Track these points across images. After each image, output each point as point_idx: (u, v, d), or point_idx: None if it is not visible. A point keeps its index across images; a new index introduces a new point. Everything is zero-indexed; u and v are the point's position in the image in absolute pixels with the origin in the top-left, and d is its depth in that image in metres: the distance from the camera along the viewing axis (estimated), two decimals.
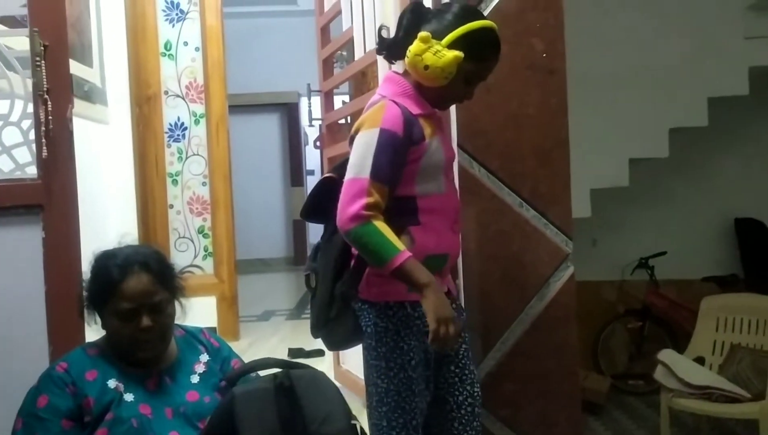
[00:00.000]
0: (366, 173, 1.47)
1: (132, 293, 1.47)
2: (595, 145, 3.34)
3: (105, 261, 1.54)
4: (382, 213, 1.48)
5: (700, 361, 3.50)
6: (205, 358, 1.61)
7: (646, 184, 4.13)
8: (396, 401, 1.56)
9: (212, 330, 3.92)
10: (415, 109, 1.55)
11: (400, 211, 1.54)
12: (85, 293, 1.56)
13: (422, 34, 1.50)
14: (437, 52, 1.49)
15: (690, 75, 3.58)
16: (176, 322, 1.59)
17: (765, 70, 3.67)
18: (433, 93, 1.57)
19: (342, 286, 1.60)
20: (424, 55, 1.49)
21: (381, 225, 1.46)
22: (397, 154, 1.50)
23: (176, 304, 1.58)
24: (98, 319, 1.55)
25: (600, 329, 4.30)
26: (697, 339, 3.61)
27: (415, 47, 1.50)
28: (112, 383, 1.47)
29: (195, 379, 1.57)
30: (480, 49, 1.53)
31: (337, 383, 3.06)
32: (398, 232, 1.50)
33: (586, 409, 3.57)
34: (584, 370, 3.88)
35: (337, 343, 1.75)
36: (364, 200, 1.45)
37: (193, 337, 1.65)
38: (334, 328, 1.65)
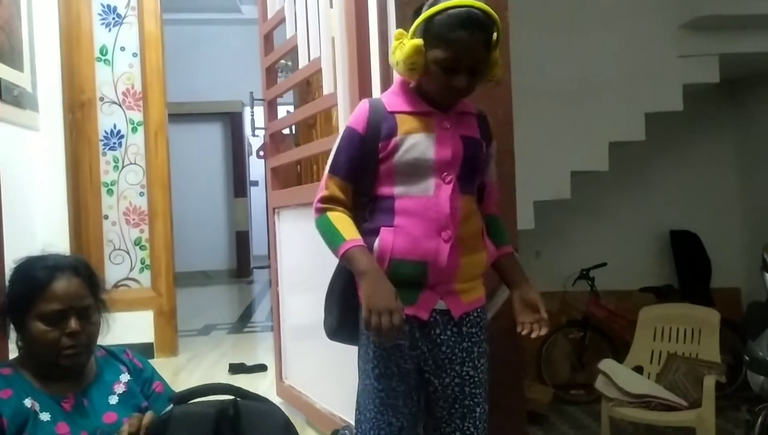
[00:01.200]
0: (328, 169, 1.54)
1: (62, 294, 1.41)
2: (538, 158, 3.39)
3: (32, 263, 1.46)
4: (343, 205, 1.50)
5: (638, 370, 3.58)
6: (125, 377, 1.54)
7: (588, 197, 4.22)
8: (363, 405, 1.52)
9: (149, 346, 3.82)
10: (394, 106, 1.51)
11: (378, 210, 1.50)
12: (6, 303, 1.46)
13: (396, 31, 1.49)
14: (401, 45, 1.45)
15: (628, 91, 3.69)
16: (99, 338, 1.52)
17: (698, 87, 3.81)
18: (424, 89, 1.51)
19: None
20: (395, 52, 1.47)
21: (334, 215, 1.49)
22: (356, 150, 1.50)
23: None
24: (11, 333, 1.45)
25: (543, 340, 4.36)
26: (635, 348, 3.70)
27: (392, 46, 1.49)
28: (27, 402, 1.39)
29: (114, 399, 1.50)
30: (441, 32, 1.43)
31: (279, 399, 3.00)
32: (374, 232, 1.47)
33: (529, 419, 3.59)
34: (527, 381, 3.91)
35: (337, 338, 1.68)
36: (321, 194, 1.51)
37: (114, 358, 1.58)
38: (339, 330, 1.63)
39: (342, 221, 1.47)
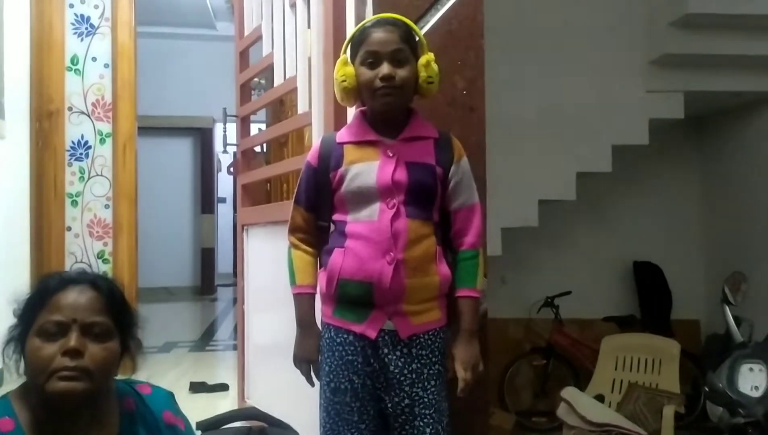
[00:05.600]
0: (294, 199, 1.65)
1: (66, 304, 1.12)
2: (507, 186, 3.42)
3: (51, 274, 1.21)
4: (306, 233, 1.63)
5: (600, 398, 3.60)
6: None
7: (555, 226, 4.27)
8: (322, 419, 1.59)
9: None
10: (343, 137, 1.61)
11: (336, 232, 1.59)
12: (13, 324, 1.18)
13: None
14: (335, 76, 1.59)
15: (596, 123, 3.76)
16: (122, 379, 1.26)
17: (664, 123, 3.90)
18: (372, 114, 1.61)
19: None
20: (334, 86, 1.62)
21: (296, 255, 1.64)
22: (311, 182, 1.63)
23: (123, 354, 1.23)
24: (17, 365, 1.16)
25: (506, 366, 4.36)
26: (597, 377, 3.73)
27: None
28: None
29: None
30: (361, 38, 1.55)
31: None
32: (329, 253, 1.57)
33: None
34: (491, 407, 3.90)
35: None
36: (289, 223, 1.65)
37: (145, 420, 1.24)
38: None
39: (300, 261, 1.63)
